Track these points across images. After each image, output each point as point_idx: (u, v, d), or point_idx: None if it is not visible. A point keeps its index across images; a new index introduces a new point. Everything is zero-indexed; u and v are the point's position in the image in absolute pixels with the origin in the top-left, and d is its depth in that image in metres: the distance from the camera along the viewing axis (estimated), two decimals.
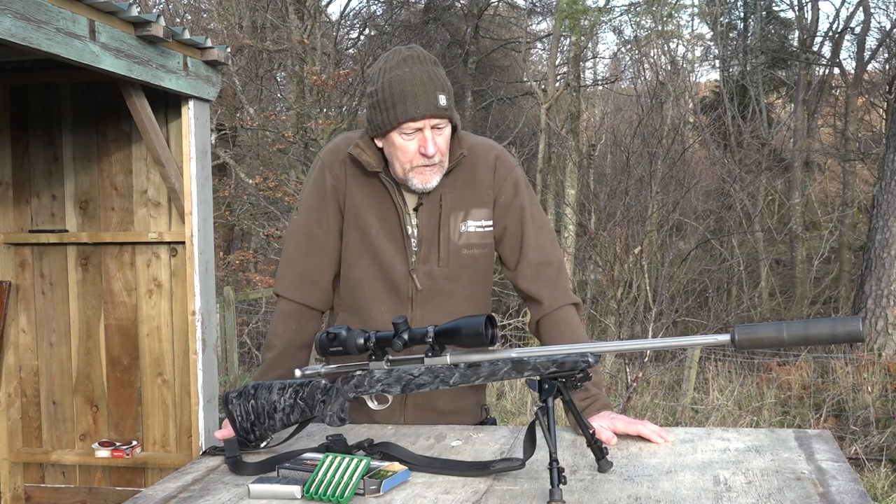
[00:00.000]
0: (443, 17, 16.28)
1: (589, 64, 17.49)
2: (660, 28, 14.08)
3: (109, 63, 3.24)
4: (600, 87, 17.76)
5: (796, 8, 17.54)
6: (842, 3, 18.52)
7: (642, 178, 10.36)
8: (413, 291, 2.00)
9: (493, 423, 2.15)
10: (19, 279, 4.16)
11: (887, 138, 9.63)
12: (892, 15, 17.28)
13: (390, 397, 1.69)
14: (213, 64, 3.91)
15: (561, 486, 1.40)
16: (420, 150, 1.90)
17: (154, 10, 12.36)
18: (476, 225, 2.01)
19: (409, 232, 2.00)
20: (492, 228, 2.03)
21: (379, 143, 1.97)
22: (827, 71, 17.21)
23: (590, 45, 16.11)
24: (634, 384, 6.49)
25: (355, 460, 1.51)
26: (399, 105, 1.87)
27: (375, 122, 1.92)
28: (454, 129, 1.98)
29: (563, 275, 2.06)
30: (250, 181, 11.69)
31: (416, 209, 2.00)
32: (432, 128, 1.89)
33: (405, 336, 1.60)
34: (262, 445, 1.79)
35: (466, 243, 2.01)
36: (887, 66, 16.55)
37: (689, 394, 7.34)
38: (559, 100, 13.61)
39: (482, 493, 1.48)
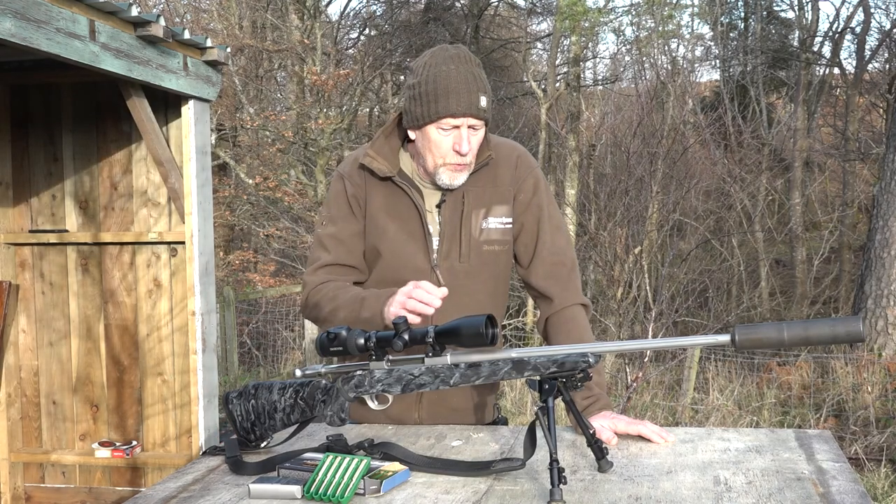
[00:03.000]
0: (443, 17, 16.27)
1: (589, 64, 17.51)
2: (660, 28, 14.08)
3: (109, 63, 3.24)
4: (600, 87, 17.76)
5: (796, 8, 17.55)
6: (842, 3, 18.53)
7: (642, 179, 10.37)
8: None
9: (504, 422, 2.17)
10: (19, 279, 4.16)
11: (887, 138, 9.63)
12: (892, 15, 17.29)
13: (390, 397, 1.69)
14: (213, 64, 3.91)
15: (561, 486, 1.40)
16: (454, 147, 1.92)
17: (154, 11, 12.36)
18: (497, 222, 2.03)
19: (431, 230, 2.02)
20: (511, 226, 2.05)
21: (412, 135, 1.99)
22: (827, 71, 17.21)
23: (590, 45, 16.12)
24: (634, 384, 6.49)
25: (355, 460, 1.51)
26: (441, 100, 1.89)
27: (414, 113, 1.94)
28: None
29: (576, 276, 2.08)
30: (250, 181, 11.70)
31: (438, 206, 2.02)
32: (469, 127, 1.92)
33: (405, 336, 1.61)
34: (263, 445, 1.79)
35: (487, 239, 2.03)
36: (887, 66, 16.56)
37: (689, 394, 7.34)
38: (559, 100, 13.61)
39: (482, 493, 1.48)
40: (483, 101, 1.91)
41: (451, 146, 1.93)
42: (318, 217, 2.19)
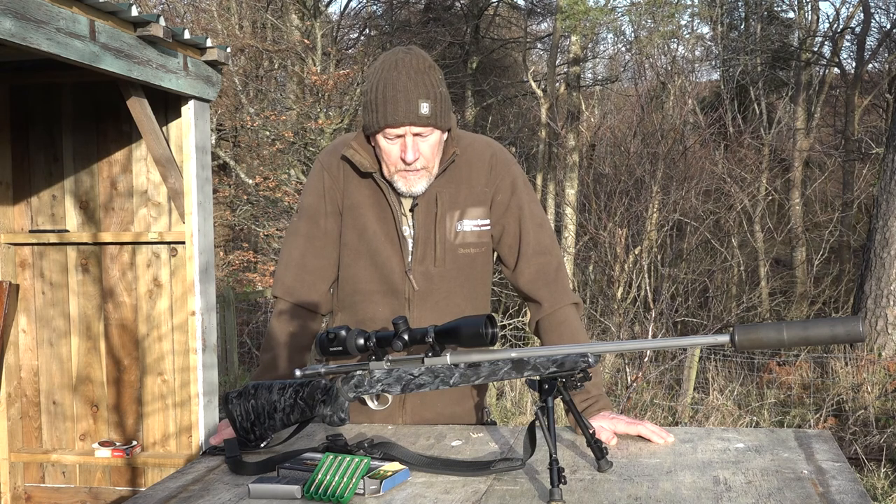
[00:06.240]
0: (443, 17, 16.28)
1: (589, 64, 17.51)
2: (660, 29, 14.07)
3: (109, 63, 3.24)
4: (599, 87, 17.76)
5: (796, 8, 17.55)
6: (842, 3, 18.49)
7: (642, 179, 10.37)
8: (410, 292, 1.99)
9: (493, 425, 2.14)
10: (19, 279, 4.16)
11: (887, 138, 9.63)
12: (892, 15, 17.28)
13: (390, 397, 1.69)
14: (213, 64, 3.91)
15: (561, 485, 1.40)
16: (401, 155, 1.91)
17: (154, 11, 12.36)
18: (472, 224, 2.00)
19: (406, 232, 2.00)
20: (489, 227, 2.02)
21: (373, 143, 1.98)
22: (826, 71, 17.22)
23: (590, 45, 16.12)
24: (634, 384, 6.49)
25: (355, 460, 1.51)
26: (381, 110, 1.88)
27: (366, 121, 1.94)
28: (449, 130, 1.97)
29: (563, 274, 2.05)
30: (250, 181, 11.70)
31: (412, 209, 1.99)
32: (415, 135, 1.90)
33: (405, 336, 1.60)
34: (262, 445, 1.79)
35: (462, 242, 2.00)
36: (888, 66, 16.56)
37: (689, 394, 7.34)
38: (559, 100, 13.61)
39: (482, 493, 1.48)
40: (424, 108, 1.87)
41: (398, 154, 1.91)
42: (300, 199, 2.18)
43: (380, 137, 1.92)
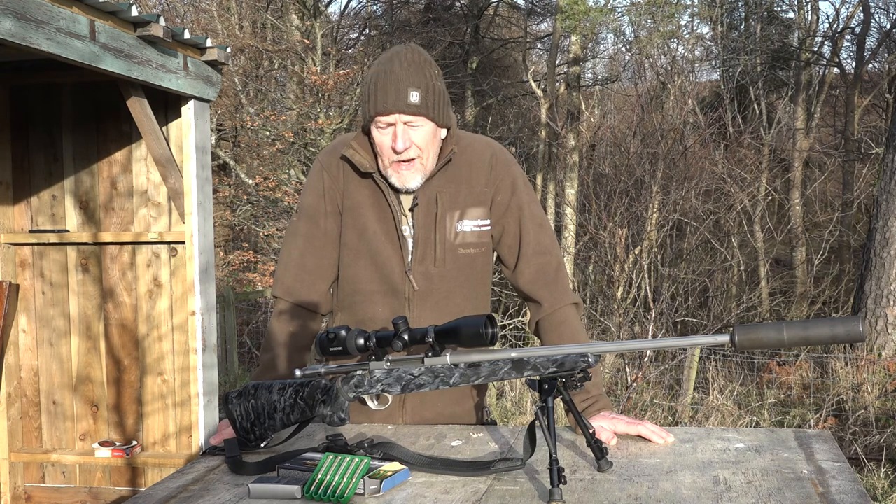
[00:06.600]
0: (443, 17, 16.28)
1: (589, 64, 17.51)
2: (660, 29, 14.07)
3: (109, 63, 3.24)
4: (599, 87, 17.76)
5: (796, 8, 17.55)
6: (842, 3, 18.48)
7: (642, 179, 10.37)
8: (410, 292, 1.99)
9: (493, 425, 2.14)
10: (19, 279, 4.16)
11: (887, 138, 9.63)
12: (892, 15, 17.28)
13: (390, 397, 1.69)
14: (213, 64, 3.91)
15: (561, 485, 1.40)
16: (391, 144, 1.92)
17: (154, 11, 12.36)
18: (473, 224, 2.01)
19: (406, 232, 2.00)
20: (489, 227, 2.03)
21: (371, 140, 2.00)
22: (826, 71, 17.23)
23: (590, 45, 16.12)
24: (634, 384, 6.49)
25: (355, 460, 1.51)
26: (372, 98, 1.91)
27: (362, 114, 1.97)
28: (448, 129, 1.98)
29: (563, 274, 2.05)
30: (250, 181, 11.70)
31: (412, 209, 2.00)
32: (405, 123, 1.91)
33: (405, 336, 1.60)
34: (262, 445, 1.79)
35: (462, 242, 2.00)
36: (887, 66, 16.56)
37: (689, 394, 7.34)
38: (559, 100, 13.61)
39: (482, 493, 1.48)
40: (414, 97, 1.89)
41: (390, 144, 1.92)
42: (299, 198, 2.18)
43: (374, 129, 1.94)
